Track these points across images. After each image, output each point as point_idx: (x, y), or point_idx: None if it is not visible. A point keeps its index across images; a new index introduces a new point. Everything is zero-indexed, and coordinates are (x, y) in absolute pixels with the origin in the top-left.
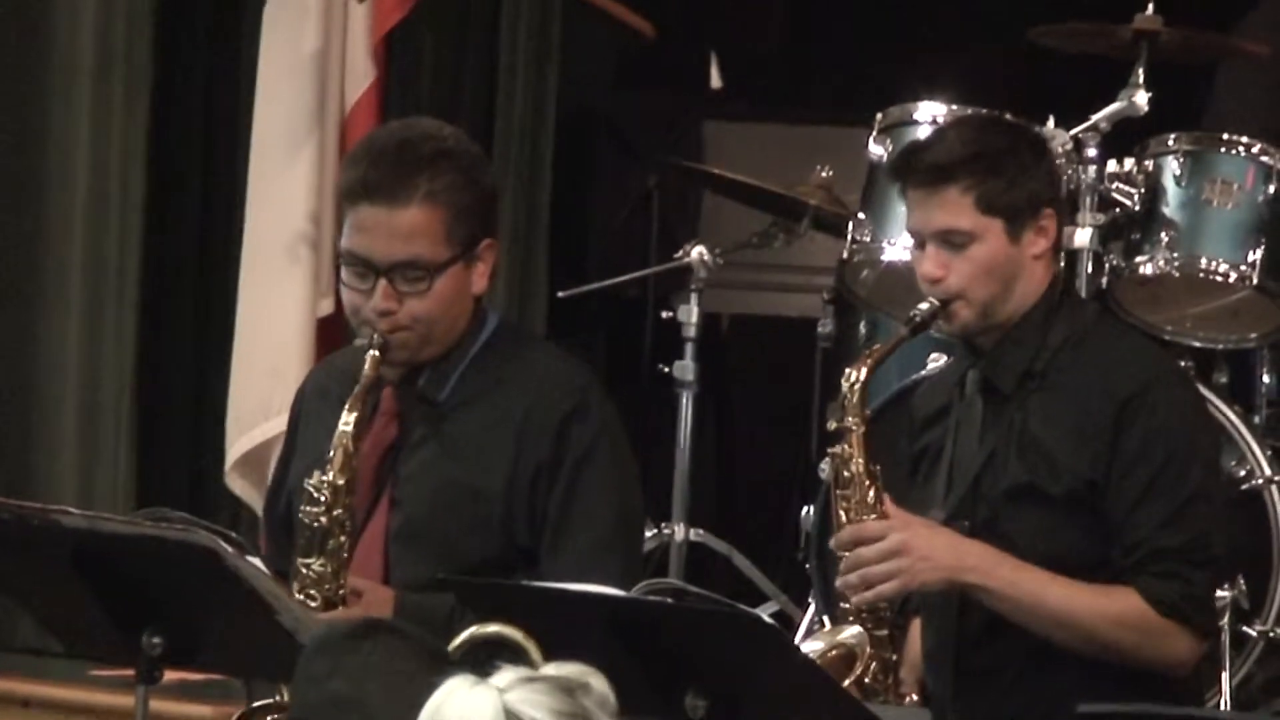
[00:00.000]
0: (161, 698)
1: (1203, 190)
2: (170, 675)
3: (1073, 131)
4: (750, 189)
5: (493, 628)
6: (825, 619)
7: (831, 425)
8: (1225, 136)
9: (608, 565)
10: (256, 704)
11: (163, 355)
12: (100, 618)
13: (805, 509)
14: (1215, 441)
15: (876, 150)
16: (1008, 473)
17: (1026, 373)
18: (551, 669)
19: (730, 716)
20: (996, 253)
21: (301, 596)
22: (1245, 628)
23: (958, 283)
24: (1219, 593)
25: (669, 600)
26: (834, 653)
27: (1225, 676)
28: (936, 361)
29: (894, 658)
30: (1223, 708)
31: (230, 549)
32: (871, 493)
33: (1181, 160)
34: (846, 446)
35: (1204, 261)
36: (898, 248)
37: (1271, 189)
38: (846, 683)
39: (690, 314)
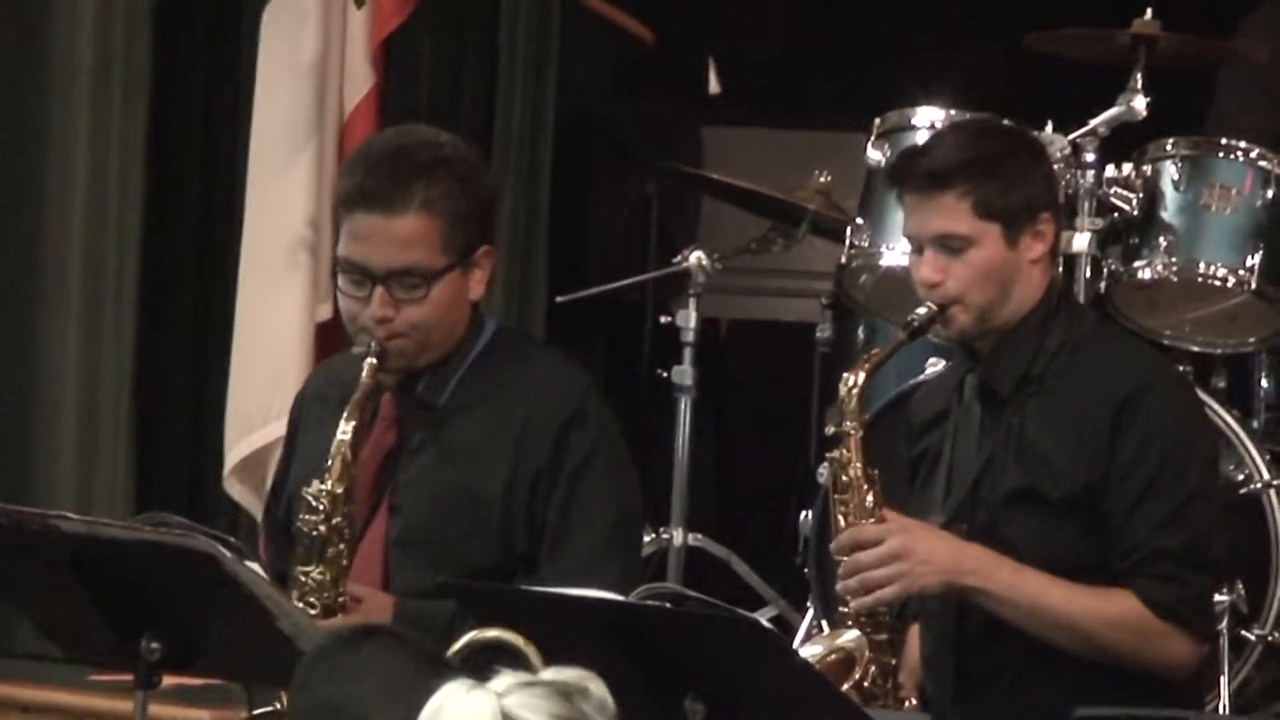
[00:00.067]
0: (160, 703)
1: (1201, 195)
2: (169, 680)
3: (1071, 136)
4: (749, 194)
5: (492, 632)
6: (824, 623)
7: (830, 430)
8: (1223, 141)
9: (606, 570)
10: (257, 712)
11: (162, 358)
12: (99, 623)
13: (804, 514)
14: (1213, 444)
15: (875, 155)
16: (1006, 477)
17: (1024, 377)
18: (550, 673)
19: None
20: (994, 257)
21: (301, 604)
22: (1244, 632)
23: (955, 287)
24: (1218, 597)
25: (668, 605)
26: (833, 657)
27: (1224, 680)
28: (935, 366)
29: (893, 662)
30: (1221, 712)
31: (229, 554)
32: (870, 497)
33: (1180, 165)
34: (845, 451)
35: (1202, 266)
36: (896, 252)
37: (1270, 194)
38: (846, 687)
39: (689, 319)
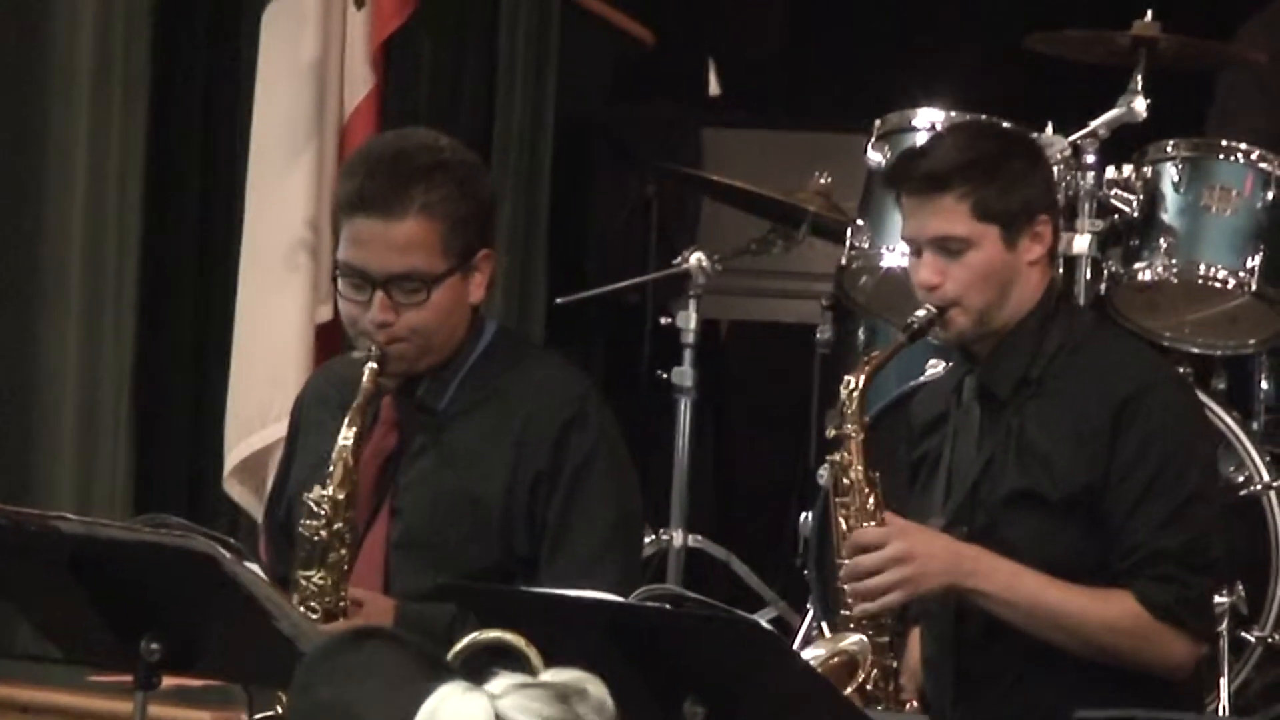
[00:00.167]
0: (160, 704)
1: (1201, 196)
2: (168, 681)
3: (1071, 138)
4: (749, 195)
5: (493, 634)
6: (823, 625)
7: (830, 433)
8: (1224, 143)
9: (606, 572)
10: (258, 716)
11: (161, 359)
12: (98, 624)
13: (804, 515)
14: (1212, 444)
15: (875, 156)
16: (1006, 478)
17: (1023, 379)
18: (550, 675)
19: None
20: (992, 259)
21: (302, 609)
22: (1244, 633)
23: (954, 290)
24: (1218, 598)
25: (667, 606)
26: (836, 660)
27: (1224, 682)
28: (935, 368)
29: (894, 664)
30: (1221, 713)
31: (229, 555)
32: (871, 500)
33: (1180, 167)
34: (846, 454)
35: (1203, 268)
36: (896, 254)
37: (1270, 195)
38: (849, 690)
39: (689, 320)
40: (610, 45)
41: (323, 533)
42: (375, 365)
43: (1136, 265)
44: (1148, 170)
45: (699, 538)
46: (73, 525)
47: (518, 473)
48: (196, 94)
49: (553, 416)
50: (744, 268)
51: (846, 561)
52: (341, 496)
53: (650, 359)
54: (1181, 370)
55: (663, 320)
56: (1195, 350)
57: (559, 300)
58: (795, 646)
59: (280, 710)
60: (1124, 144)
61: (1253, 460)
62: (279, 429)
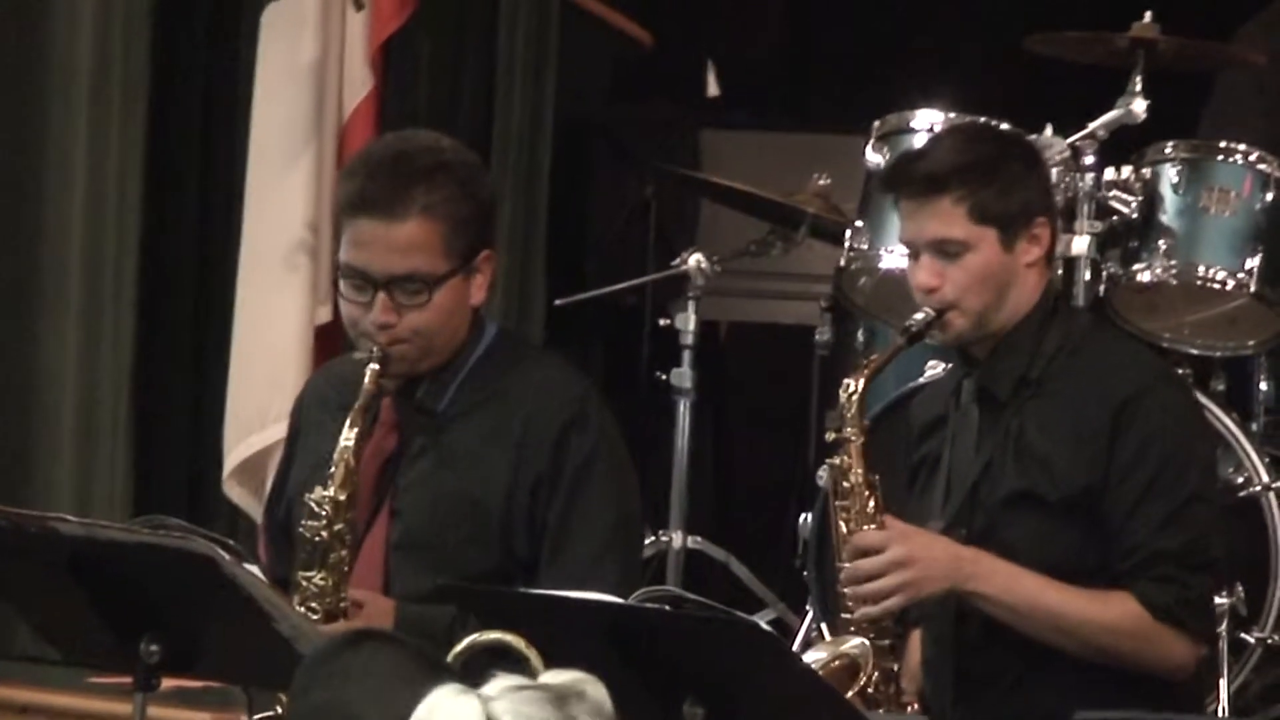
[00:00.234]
0: (159, 705)
1: (1200, 198)
2: (168, 683)
3: (1070, 139)
4: (748, 197)
5: (493, 635)
6: (823, 626)
7: (830, 436)
8: (1223, 145)
9: (607, 573)
10: (257, 716)
11: (161, 360)
12: (98, 625)
13: (803, 516)
14: (1211, 445)
15: (874, 158)
16: (1005, 480)
17: (1022, 380)
18: (549, 677)
19: None
20: (990, 261)
21: (302, 610)
22: (1243, 634)
23: (952, 292)
24: (1218, 600)
25: (667, 608)
26: (837, 663)
27: (1223, 683)
28: (934, 369)
29: (895, 667)
30: (1220, 714)
31: (228, 557)
32: (871, 503)
33: (1179, 168)
34: (845, 457)
35: (1201, 269)
36: (895, 255)
37: (1269, 197)
38: (850, 693)
39: (688, 322)
40: (609, 47)
41: (323, 533)
42: (377, 366)
43: (1135, 266)
44: (1147, 172)
45: (698, 539)
46: (72, 527)
47: (518, 474)
48: (196, 95)
49: (553, 418)
50: (743, 269)
51: (847, 565)
52: (343, 497)
53: (649, 360)
54: (1181, 372)
55: (662, 322)
56: (1194, 351)
57: (558, 302)
58: (795, 648)
59: (280, 711)
60: (1123, 145)
61: (1252, 461)
62: (278, 430)
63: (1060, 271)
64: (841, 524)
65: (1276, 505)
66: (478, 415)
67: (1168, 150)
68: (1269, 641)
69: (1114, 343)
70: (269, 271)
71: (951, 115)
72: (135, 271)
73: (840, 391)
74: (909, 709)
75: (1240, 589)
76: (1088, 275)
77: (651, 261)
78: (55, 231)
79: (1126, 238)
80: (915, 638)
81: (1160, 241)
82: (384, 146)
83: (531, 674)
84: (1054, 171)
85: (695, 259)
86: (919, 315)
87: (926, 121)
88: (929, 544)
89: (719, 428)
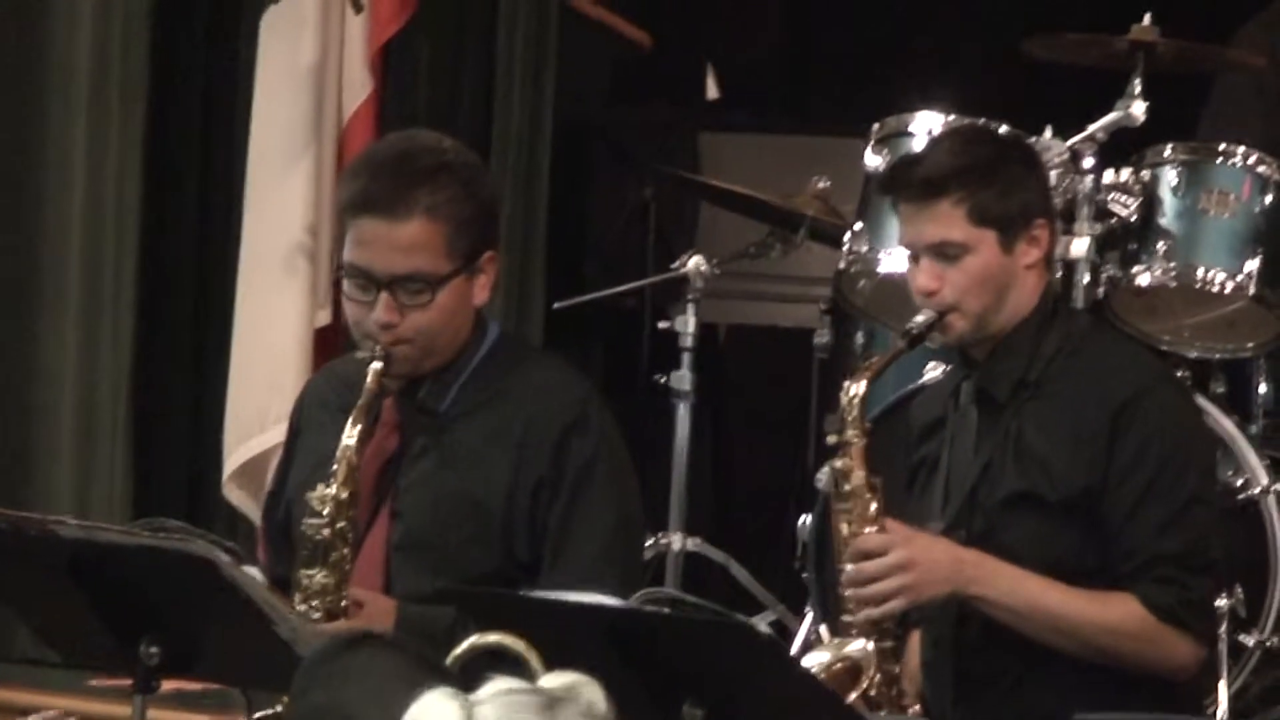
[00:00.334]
0: (159, 707)
1: (1199, 200)
2: (167, 685)
3: (1070, 142)
4: (747, 199)
5: (493, 637)
6: (823, 629)
7: (831, 439)
8: (1222, 147)
9: (608, 576)
10: (256, 716)
11: (160, 362)
12: (97, 627)
13: (802, 519)
14: (1210, 446)
15: (873, 160)
16: (1004, 481)
17: (1021, 382)
18: (548, 680)
19: None
20: (990, 264)
21: (303, 608)
22: (1242, 637)
23: (952, 295)
24: (1217, 602)
25: (666, 610)
26: (839, 666)
27: (1222, 686)
28: (933, 371)
29: (896, 670)
30: (1220, 717)
31: (227, 559)
32: (873, 505)
33: (1178, 170)
34: (846, 459)
35: (1201, 272)
36: (894, 258)
37: (1268, 199)
38: (853, 696)
39: (687, 324)
40: (608, 49)
41: (325, 531)
42: (380, 365)
43: (1135, 269)
44: (1146, 174)
45: (697, 541)
46: (72, 529)
47: (519, 476)
48: (195, 96)
49: (554, 420)
50: (742, 271)
51: (849, 567)
52: (345, 496)
53: (648, 363)
54: (1180, 374)
55: (661, 324)
56: (1193, 354)
57: (557, 305)
58: (794, 650)
59: (279, 710)
60: (1122, 148)
61: (1251, 464)
62: (278, 433)
63: (1059, 274)
64: (843, 526)
65: (1276, 508)
66: (480, 416)
67: (1167, 153)
68: (1268, 644)
69: (1113, 344)
70: (268, 274)
71: (951, 118)
72: (135, 272)
73: (841, 394)
74: (910, 711)
75: (1239, 591)
76: (1087, 278)
77: (651, 264)
78: (55, 232)
79: (1125, 240)
80: (914, 639)
81: (1159, 244)
82: (387, 147)
83: (531, 677)
84: (1053, 174)
85: (694, 261)
86: (919, 318)
87: (926, 124)
88: (931, 547)
89: (718, 430)
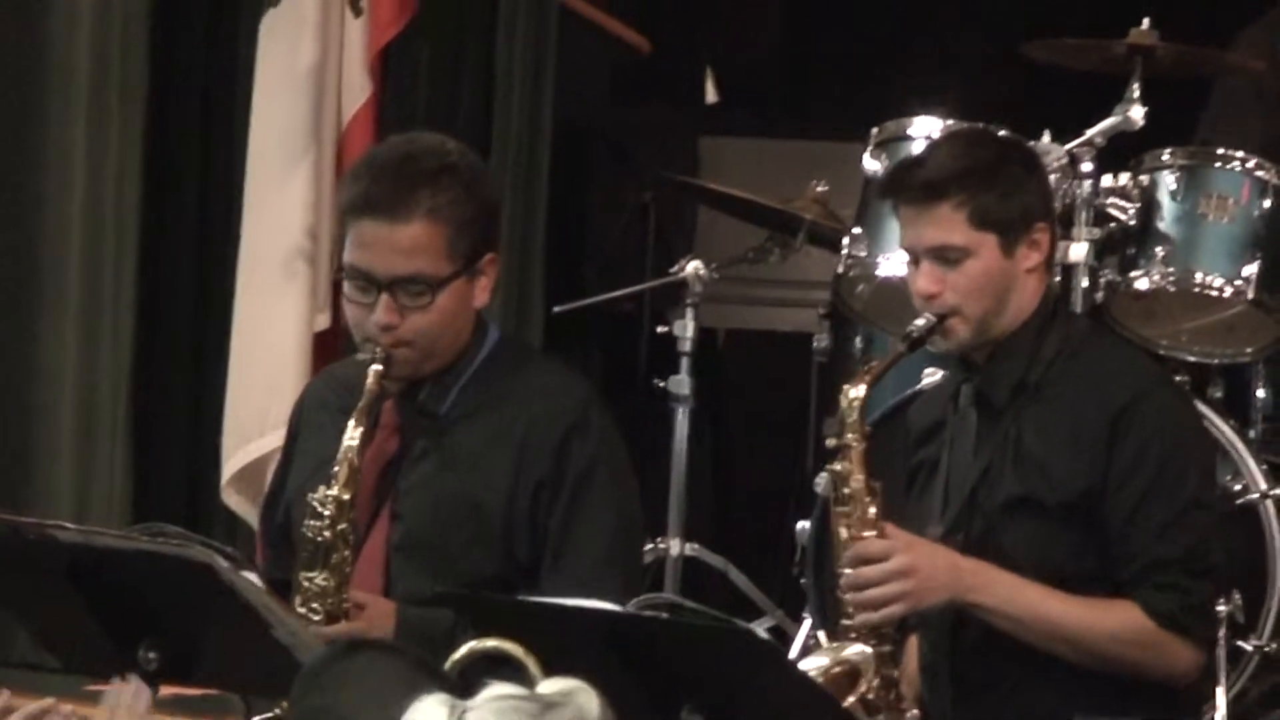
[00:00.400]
0: (157, 712)
1: (1198, 205)
2: (166, 690)
3: (1068, 146)
4: (746, 204)
5: (491, 642)
6: (821, 634)
7: (831, 442)
8: (1221, 151)
9: (609, 580)
10: (256, 719)
11: (159, 365)
12: (96, 632)
13: (801, 523)
14: (1210, 449)
15: (872, 165)
16: (1003, 485)
17: (1020, 385)
18: (545, 686)
19: None
20: (990, 267)
21: (304, 610)
22: (1240, 642)
23: (953, 299)
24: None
25: (664, 615)
26: (838, 670)
27: (1220, 691)
28: (932, 376)
29: (895, 674)
30: None
31: (226, 564)
32: (872, 509)
33: (1177, 175)
34: (846, 463)
35: (1199, 276)
36: (893, 262)
37: (1267, 204)
38: (851, 700)
39: (686, 328)
40: (607, 52)
41: (326, 533)
42: (380, 367)
43: (1133, 274)
44: (1144, 178)
45: (696, 546)
46: (70, 534)
47: (519, 478)
48: (194, 98)
49: (555, 423)
50: (741, 276)
51: (848, 571)
52: (346, 497)
53: (647, 367)
54: (1178, 379)
55: (659, 329)
56: (1192, 359)
57: (556, 309)
58: (793, 655)
59: (278, 714)
60: (1121, 152)
61: (1249, 468)
62: (277, 437)
63: (1058, 279)
64: (842, 530)
65: (1274, 513)
66: (480, 419)
67: (1165, 157)
68: (1266, 649)
69: (1112, 348)
70: (268, 277)
71: (949, 122)
72: (134, 274)
73: (840, 398)
74: (908, 715)
75: (1238, 596)
76: (1085, 282)
77: (649, 268)
78: (54, 234)
79: (1124, 245)
80: (912, 643)
81: (1158, 248)
82: (389, 149)
83: (529, 682)
84: (1051, 178)
85: (693, 266)
86: (920, 321)
87: (924, 128)
88: (931, 554)
89: (717, 435)
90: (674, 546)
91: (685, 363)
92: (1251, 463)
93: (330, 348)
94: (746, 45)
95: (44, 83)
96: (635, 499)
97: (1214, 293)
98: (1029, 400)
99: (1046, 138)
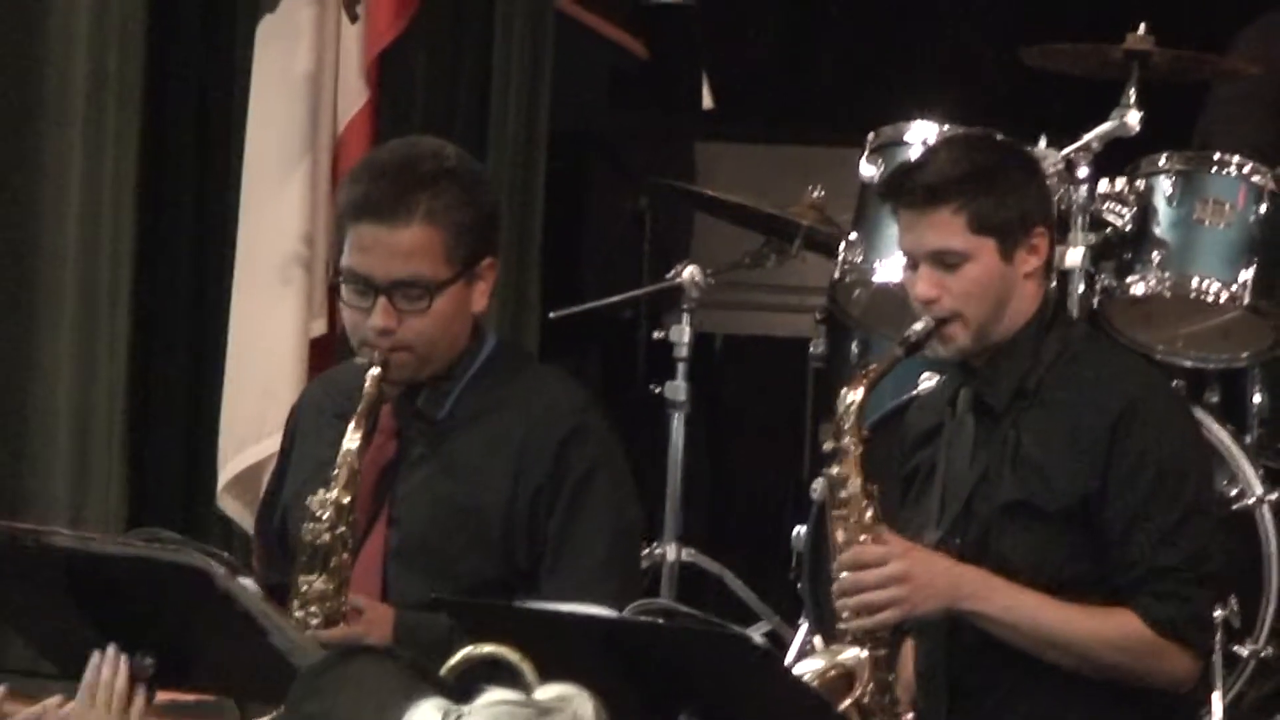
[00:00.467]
0: (153, 718)
1: (1194, 210)
2: (162, 696)
3: (1064, 151)
4: (742, 209)
5: (487, 648)
6: (817, 639)
7: (828, 445)
8: (1216, 156)
9: (608, 584)
10: None
11: (156, 372)
12: (93, 638)
13: (797, 529)
14: (1208, 456)
15: (868, 170)
16: (1001, 490)
17: (1019, 390)
18: (543, 691)
19: None
20: (989, 272)
21: (302, 614)
22: (1236, 647)
23: (952, 303)
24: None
25: (660, 621)
26: (833, 673)
27: (1216, 697)
28: (928, 381)
29: (890, 678)
30: None
31: (222, 570)
32: (869, 513)
33: (1173, 180)
34: (844, 466)
35: (1195, 281)
36: (889, 268)
37: (1263, 209)
38: (846, 703)
39: (682, 334)
40: (604, 58)
41: (325, 536)
42: (378, 370)
43: (1129, 279)
44: (1140, 183)
45: (692, 552)
46: (66, 540)
47: (518, 484)
48: (190, 104)
49: (554, 428)
50: (737, 281)
51: (844, 575)
52: (346, 500)
53: (644, 373)
54: (1174, 384)
55: (656, 334)
56: (1188, 364)
57: (552, 314)
58: (789, 661)
59: (275, 718)
60: (1117, 157)
61: (1245, 474)
62: (273, 443)
63: (1054, 284)
64: (839, 533)
65: (1270, 518)
66: (478, 424)
67: (1162, 162)
68: (1262, 655)
69: (1110, 353)
70: (264, 283)
71: (946, 127)
72: (130, 279)
73: (838, 401)
74: (904, 719)
75: (1234, 602)
76: (1081, 287)
77: (646, 274)
78: (50, 245)
79: (1120, 250)
80: (908, 648)
81: (1154, 253)
82: (389, 152)
83: (525, 687)
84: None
85: (689, 271)
86: (918, 325)
87: (921, 134)
88: (928, 561)
89: (713, 440)
90: (670, 552)
91: (681, 368)
92: (1248, 467)
93: (326, 354)
94: (743, 51)
95: (41, 91)
96: (634, 503)
97: (1210, 298)
98: (1028, 405)
99: (1042, 143)
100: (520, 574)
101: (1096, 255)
